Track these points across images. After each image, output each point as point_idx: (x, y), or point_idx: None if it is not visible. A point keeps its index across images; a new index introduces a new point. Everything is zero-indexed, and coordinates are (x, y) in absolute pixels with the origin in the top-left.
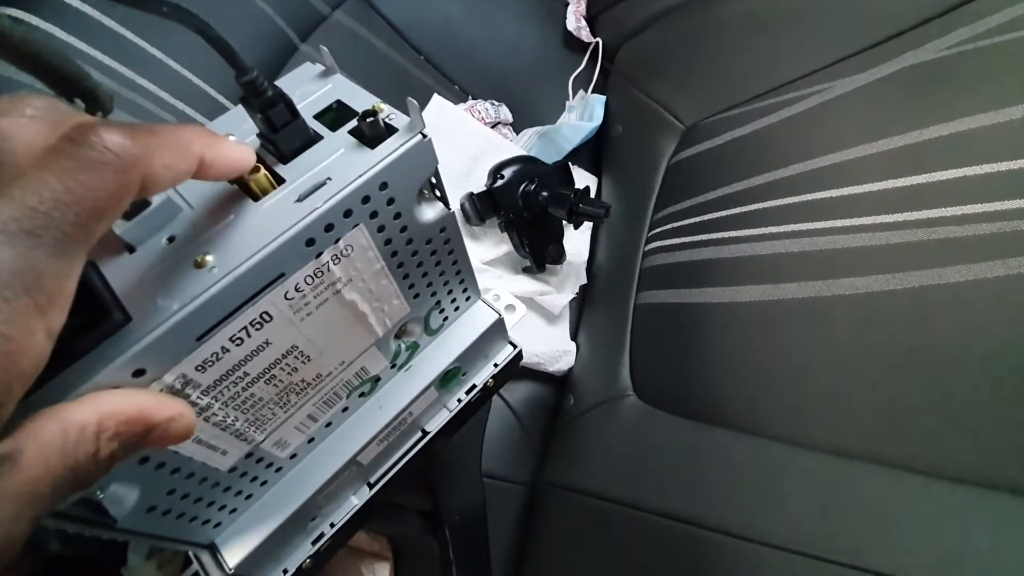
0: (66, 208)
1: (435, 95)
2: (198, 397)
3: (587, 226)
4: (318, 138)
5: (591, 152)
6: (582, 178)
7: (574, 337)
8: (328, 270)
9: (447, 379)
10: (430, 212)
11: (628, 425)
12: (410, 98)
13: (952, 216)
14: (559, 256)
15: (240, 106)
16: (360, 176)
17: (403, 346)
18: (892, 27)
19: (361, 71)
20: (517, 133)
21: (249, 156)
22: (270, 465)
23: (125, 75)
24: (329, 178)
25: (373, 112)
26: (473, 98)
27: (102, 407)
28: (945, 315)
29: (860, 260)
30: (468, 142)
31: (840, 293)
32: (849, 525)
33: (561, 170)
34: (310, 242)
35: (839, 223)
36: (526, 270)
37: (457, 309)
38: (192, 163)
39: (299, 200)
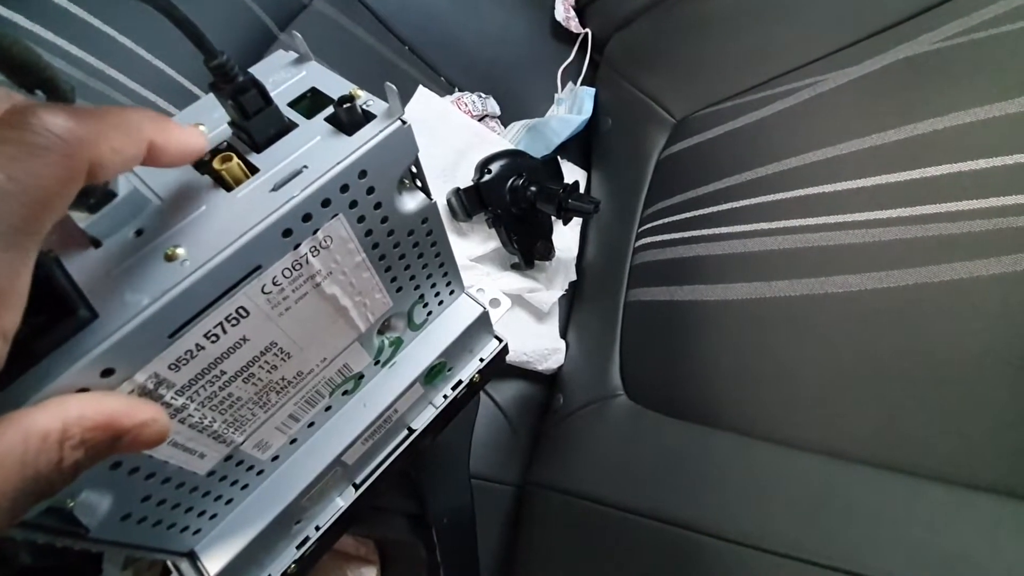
0: (10, 198)
1: (420, 87)
2: (172, 397)
3: (576, 222)
4: (293, 126)
5: (580, 146)
6: (571, 173)
7: (563, 335)
8: (307, 262)
9: (432, 375)
10: (411, 202)
11: (618, 425)
12: (388, 83)
13: (946, 212)
14: (548, 252)
15: (211, 94)
16: (338, 163)
17: (386, 342)
18: (886, 19)
19: (343, 62)
20: (505, 126)
21: (200, 140)
22: (251, 468)
23: (93, 65)
24: (306, 166)
25: (350, 98)
26: (459, 90)
27: (67, 412)
28: (939, 313)
29: (853, 257)
30: (454, 136)
31: (832, 291)
32: (842, 528)
33: (550, 164)
34: (287, 232)
35: (832, 219)
36: (514, 267)
37: (441, 303)
38: (141, 147)
39: (274, 189)
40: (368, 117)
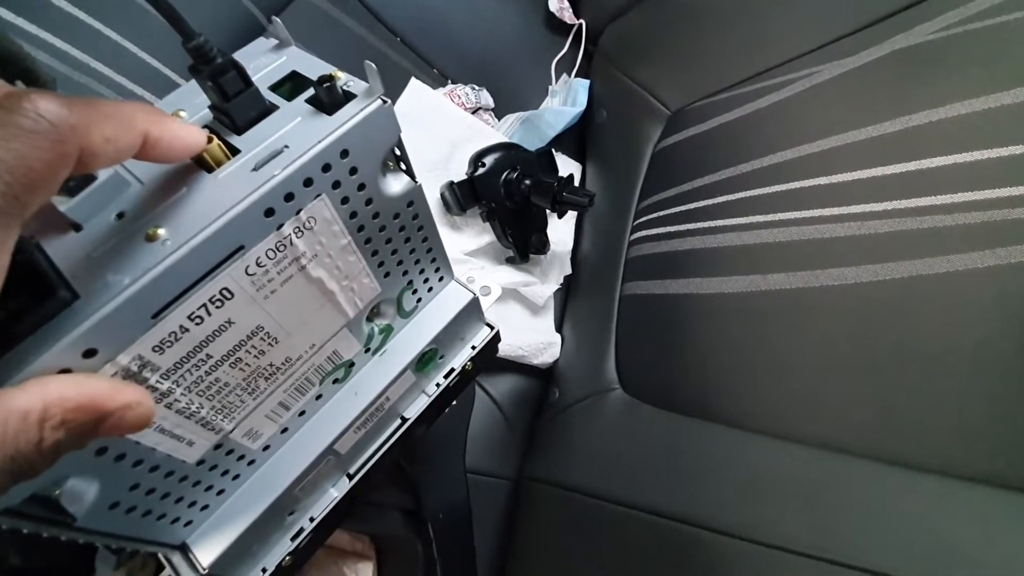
0: None
1: (413, 79)
2: (158, 381)
3: (571, 215)
4: (274, 108)
5: (575, 138)
6: (566, 165)
7: (559, 329)
8: (291, 244)
9: (424, 363)
10: (396, 185)
11: (614, 419)
12: (368, 61)
13: (942, 204)
14: (543, 246)
15: (192, 81)
16: (319, 143)
17: (376, 329)
18: (881, 9)
19: (333, 54)
20: (499, 119)
21: (199, 136)
22: (242, 457)
23: (77, 58)
24: (287, 146)
25: (330, 78)
26: (452, 82)
27: (48, 393)
28: (934, 306)
29: (849, 250)
30: (448, 128)
31: (828, 283)
32: (838, 521)
33: (544, 157)
34: (269, 212)
35: (827, 212)
36: (509, 260)
37: (430, 290)
38: (135, 138)
39: (255, 169)
40: (349, 97)
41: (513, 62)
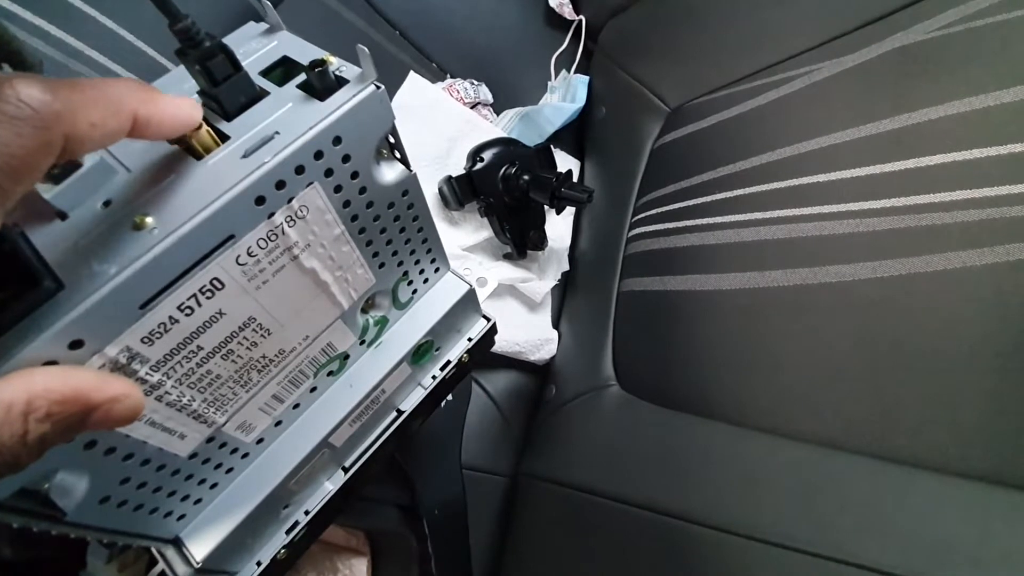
0: None
1: (411, 73)
2: (147, 373)
3: (569, 211)
4: (264, 94)
5: (574, 135)
6: (564, 161)
7: (556, 325)
8: (283, 233)
9: (420, 354)
10: (390, 173)
11: (611, 416)
12: (360, 45)
13: (940, 202)
14: (541, 242)
15: (182, 66)
16: (310, 129)
17: (371, 321)
18: (881, 7)
19: (332, 46)
20: (497, 114)
21: (193, 111)
22: (235, 451)
23: (72, 46)
24: (277, 132)
25: (322, 63)
26: (451, 77)
27: (32, 385)
28: (932, 303)
29: (846, 247)
30: (446, 123)
31: (826, 281)
32: (834, 517)
33: (543, 153)
34: (260, 200)
35: (826, 209)
36: (507, 256)
37: (426, 281)
38: (124, 121)
39: (245, 156)
40: (341, 82)
41: (512, 57)
